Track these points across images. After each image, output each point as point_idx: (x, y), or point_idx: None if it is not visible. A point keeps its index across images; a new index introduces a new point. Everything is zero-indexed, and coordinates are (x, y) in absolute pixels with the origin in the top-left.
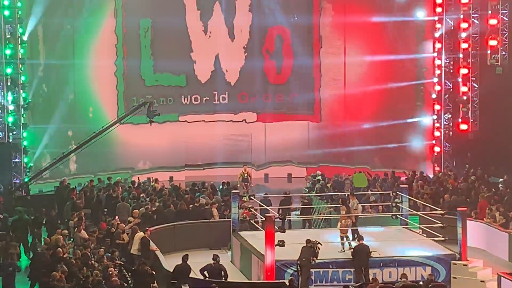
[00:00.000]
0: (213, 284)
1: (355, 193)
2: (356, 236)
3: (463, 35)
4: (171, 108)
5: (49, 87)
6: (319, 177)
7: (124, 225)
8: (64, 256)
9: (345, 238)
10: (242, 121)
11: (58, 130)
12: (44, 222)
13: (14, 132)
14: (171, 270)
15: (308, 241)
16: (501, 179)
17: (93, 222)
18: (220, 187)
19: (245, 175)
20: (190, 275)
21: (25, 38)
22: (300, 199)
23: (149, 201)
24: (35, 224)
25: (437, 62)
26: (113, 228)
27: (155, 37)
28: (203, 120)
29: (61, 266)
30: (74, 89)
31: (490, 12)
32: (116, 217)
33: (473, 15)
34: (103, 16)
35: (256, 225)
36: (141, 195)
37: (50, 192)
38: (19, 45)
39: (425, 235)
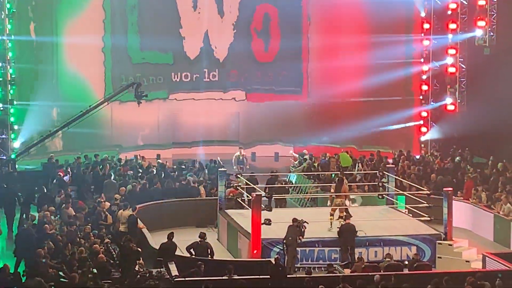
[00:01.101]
0: (199, 262)
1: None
2: (344, 216)
3: (451, 15)
4: (160, 85)
5: (36, 63)
6: (307, 157)
7: (108, 203)
8: (51, 232)
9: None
10: (231, 99)
11: (45, 107)
12: (35, 198)
13: (1, 108)
14: (157, 248)
15: (294, 220)
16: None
17: (80, 200)
18: (208, 164)
19: (241, 157)
20: (176, 253)
21: (12, 14)
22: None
23: (136, 179)
24: (24, 201)
25: (425, 42)
26: (98, 207)
27: (142, 14)
28: (193, 98)
29: (48, 242)
30: (61, 65)
31: None
32: (102, 195)
33: None
34: None
35: (243, 204)
36: (129, 172)
37: (37, 168)
38: (7, 21)
39: (411, 215)
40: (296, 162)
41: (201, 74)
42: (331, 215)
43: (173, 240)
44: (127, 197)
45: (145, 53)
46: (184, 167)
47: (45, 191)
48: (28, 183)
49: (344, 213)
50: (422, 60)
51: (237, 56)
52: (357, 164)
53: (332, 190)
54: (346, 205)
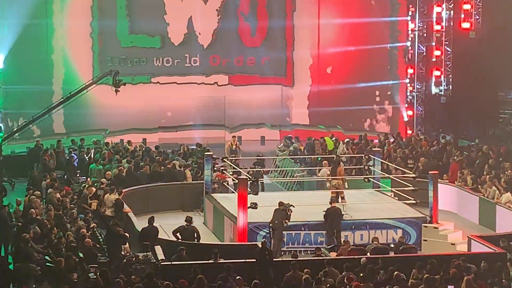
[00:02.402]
0: (181, 247)
1: (327, 156)
2: (330, 198)
3: None
4: (143, 69)
5: (23, 47)
6: (295, 144)
7: (93, 189)
8: (37, 217)
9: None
10: (213, 83)
11: (32, 91)
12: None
13: None
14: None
15: (280, 203)
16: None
17: (65, 184)
18: (193, 148)
19: (233, 146)
20: (163, 237)
21: None
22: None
23: (122, 163)
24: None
25: (411, 25)
26: (84, 190)
27: None
28: (175, 82)
29: (34, 227)
30: (48, 50)
31: None
32: (88, 179)
33: None
34: None
35: (229, 187)
36: (115, 156)
37: (22, 153)
38: None
39: (396, 198)
40: (281, 145)
41: (183, 59)
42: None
43: (154, 224)
44: (113, 181)
45: (133, 37)
46: (170, 151)
47: (36, 174)
48: (13, 168)
49: (331, 196)
50: (407, 43)
51: (223, 41)
52: (339, 143)
53: (328, 173)
54: (342, 187)
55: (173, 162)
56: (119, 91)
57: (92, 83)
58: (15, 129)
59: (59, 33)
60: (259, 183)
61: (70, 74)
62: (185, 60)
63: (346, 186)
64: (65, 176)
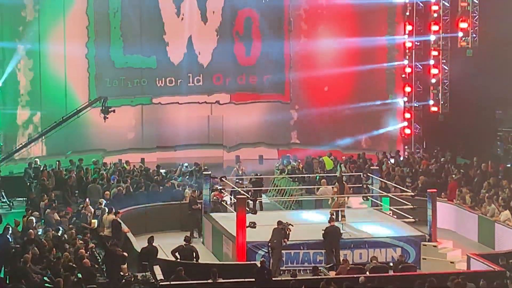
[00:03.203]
0: (179, 268)
1: (326, 175)
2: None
3: (434, 16)
4: (144, 89)
5: (20, 69)
6: (294, 163)
7: (92, 208)
8: (35, 237)
9: (339, 218)
10: (215, 102)
11: (29, 112)
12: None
13: None
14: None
15: (279, 222)
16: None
17: (64, 204)
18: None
19: (239, 172)
20: (162, 257)
21: None
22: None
23: (120, 183)
24: None
25: (408, 44)
26: (83, 210)
27: (125, 18)
28: (177, 102)
29: (33, 247)
30: (45, 72)
31: None
32: (87, 199)
33: None
34: None
35: (228, 207)
36: (114, 176)
37: (21, 173)
38: None
39: (395, 217)
40: (278, 165)
41: (185, 79)
42: (331, 215)
43: (153, 244)
44: (112, 201)
45: (128, 58)
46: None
47: (33, 196)
48: (12, 188)
49: (332, 215)
50: (405, 62)
51: (220, 61)
52: (338, 165)
53: (335, 190)
54: (346, 205)
55: (172, 181)
56: (107, 117)
57: (82, 109)
58: (13, 150)
59: (55, 54)
60: (257, 202)
61: (67, 95)
62: (186, 80)
63: (348, 204)
64: (63, 196)
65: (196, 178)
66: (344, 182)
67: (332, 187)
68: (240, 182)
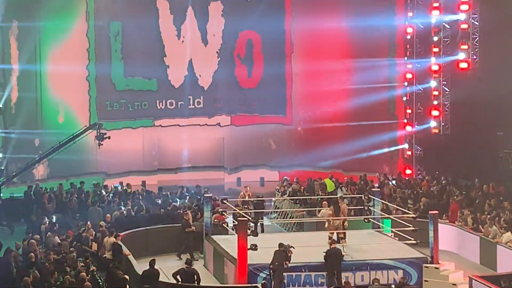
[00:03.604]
0: None
1: (327, 197)
2: (331, 240)
3: (434, 39)
4: (145, 112)
5: (20, 91)
6: (294, 185)
7: (93, 232)
8: (36, 261)
9: (335, 238)
10: (216, 124)
11: (30, 135)
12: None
13: None
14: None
15: (280, 245)
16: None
17: (65, 227)
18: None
19: (246, 197)
20: (163, 280)
21: None
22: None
23: (122, 206)
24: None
25: (408, 66)
26: (84, 233)
27: (126, 40)
28: (178, 124)
29: (33, 271)
30: (45, 94)
31: (461, 16)
32: (89, 223)
33: (444, 19)
34: (75, 19)
35: (229, 229)
36: (115, 199)
37: (21, 196)
38: None
39: (397, 238)
40: (278, 187)
41: (186, 101)
42: (330, 238)
43: (155, 266)
44: (113, 224)
45: (129, 80)
46: (169, 194)
47: (35, 218)
48: (12, 211)
49: (331, 237)
50: (405, 83)
51: (221, 83)
52: (340, 188)
53: (330, 212)
54: (344, 227)
55: (173, 204)
56: (102, 144)
57: (77, 135)
58: (13, 173)
59: (56, 77)
60: (259, 224)
61: (68, 118)
62: (187, 102)
63: (346, 226)
64: (64, 219)
65: (196, 200)
66: (343, 204)
67: (329, 209)
68: (246, 206)
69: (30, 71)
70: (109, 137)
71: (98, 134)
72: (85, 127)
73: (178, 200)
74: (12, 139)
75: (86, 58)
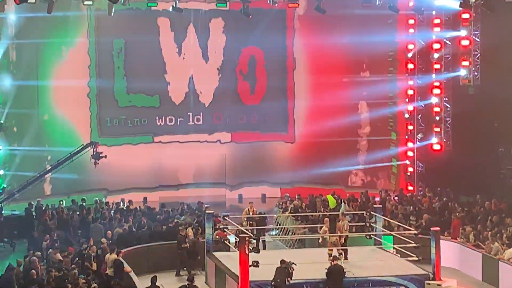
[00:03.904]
0: None
1: (330, 213)
2: (332, 257)
3: (436, 55)
4: (145, 128)
5: (19, 108)
6: (295, 202)
7: (95, 248)
8: (37, 278)
9: (334, 256)
10: (216, 141)
11: (31, 151)
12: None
13: None
14: None
15: (282, 261)
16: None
17: (66, 244)
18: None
19: (251, 213)
20: None
21: None
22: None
23: (123, 222)
24: None
25: (410, 82)
26: (84, 251)
27: (128, 57)
28: (178, 141)
29: None
30: (46, 111)
31: (462, 33)
32: (91, 240)
33: (445, 36)
34: (76, 37)
35: (231, 246)
36: (117, 215)
37: (22, 213)
38: None
39: (399, 255)
40: (277, 204)
41: (185, 118)
42: (330, 255)
43: (156, 283)
44: (115, 241)
45: (131, 96)
46: (170, 211)
47: (37, 235)
48: (14, 228)
49: (332, 254)
50: (407, 99)
51: (222, 99)
52: (342, 203)
53: (325, 229)
54: (341, 244)
55: (176, 220)
56: (98, 163)
57: (74, 154)
58: (14, 190)
59: (57, 93)
60: (260, 241)
61: (69, 135)
62: (187, 118)
63: (342, 242)
64: (65, 236)
65: (197, 217)
66: (344, 220)
67: (325, 226)
68: (251, 222)
69: (31, 87)
70: (105, 156)
71: (94, 153)
72: (82, 146)
73: (179, 216)
74: (15, 155)
75: (87, 75)
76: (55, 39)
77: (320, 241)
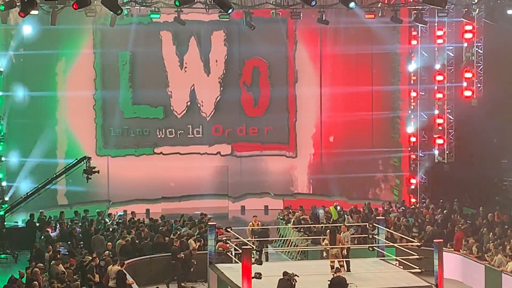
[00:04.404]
0: None
1: (332, 225)
2: (335, 268)
3: (438, 67)
4: (147, 139)
5: (25, 119)
6: (297, 213)
7: (98, 260)
8: None
9: (336, 268)
10: (216, 153)
11: (34, 163)
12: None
13: None
14: None
15: (285, 273)
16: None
17: (68, 256)
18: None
19: (255, 225)
20: None
21: (1, 69)
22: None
23: (126, 234)
24: None
25: (413, 94)
26: (86, 262)
27: (133, 69)
28: (178, 152)
29: None
30: (50, 122)
31: (465, 44)
32: (93, 251)
33: (448, 48)
34: (81, 49)
35: (233, 258)
36: (119, 227)
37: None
38: None
39: (401, 267)
40: (282, 215)
41: (186, 130)
42: (332, 267)
43: None
44: (117, 252)
45: (136, 107)
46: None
47: (38, 246)
48: (17, 240)
49: (335, 265)
50: (409, 111)
51: (225, 111)
52: (345, 217)
53: (326, 241)
54: (342, 255)
55: (178, 232)
56: (90, 178)
57: (66, 170)
58: (16, 201)
59: (62, 105)
60: (263, 252)
61: (73, 146)
62: (188, 130)
63: (345, 254)
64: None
65: (199, 229)
66: (347, 232)
67: (325, 238)
68: (256, 235)
69: (36, 97)
70: (98, 171)
71: (87, 168)
72: (75, 160)
73: (180, 228)
74: (19, 166)
75: (93, 88)
76: (61, 52)
77: (324, 255)
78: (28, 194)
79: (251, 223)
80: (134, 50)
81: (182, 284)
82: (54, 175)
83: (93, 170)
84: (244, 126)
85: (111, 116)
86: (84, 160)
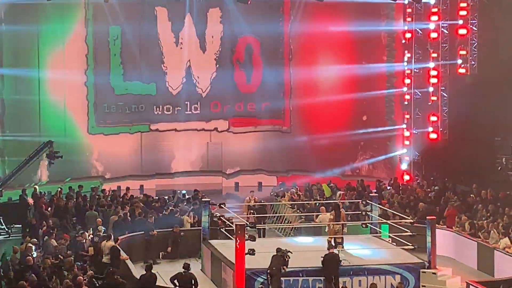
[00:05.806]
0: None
1: (325, 202)
2: (328, 245)
3: (433, 44)
4: (142, 116)
5: (17, 96)
6: (292, 189)
7: (91, 235)
8: (33, 264)
9: (333, 243)
10: (213, 129)
11: (28, 139)
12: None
13: None
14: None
15: (278, 249)
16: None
17: (61, 231)
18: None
19: (252, 201)
20: (161, 284)
21: None
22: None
23: (119, 209)
24: None
25: (407, 71)
26: (79, 237)
27: (125, 45)
28: (175, 129)
29: (30, 274)
30: (42, 99)
31: (459, 22)
32: (87, 227)
33: (442, 25)
34: (73, 25)
35: (227, 234)
36: (113, 203)
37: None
38: None
39: (394, 244)
40: (272, 192)
41: (183, 106)
42: (329, 242)
43: (152, 271)
44: (111, 228)
45: (128, 84)
46: (167, 198)
47: (35, 222)
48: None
49: (332, 241)
50: (404, 88)
51: (220, 88)
52: (337, 193)
53: (331, 217)
54: (343, 232)
55: (171, 208)
56: (53, 163)
57: (33, 156)
58: (6, 177)
59: (53, 82)
60: (257, 229)
61: (67, 123)
62: (183, 107)
63: (346, 231)
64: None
65: (193, 205)
66: (341, 209)
67: (330, 214)
68: (252, 211)
69: (28, 75)
70: (61, 157)
71: (49, 152)
72: (40, 146)
73: (178, 204)
74: (11, 142)
75: (84, 64)
76: (53, 27)
77: (326, 230)
78: (13, 171)
79: (247, 198)
80: (127, 25)
81: (157, 260)
82: (25, 160)
83: (56, 155)
84: (241, 103)
85: (103, 93)
86: (48, 146)
